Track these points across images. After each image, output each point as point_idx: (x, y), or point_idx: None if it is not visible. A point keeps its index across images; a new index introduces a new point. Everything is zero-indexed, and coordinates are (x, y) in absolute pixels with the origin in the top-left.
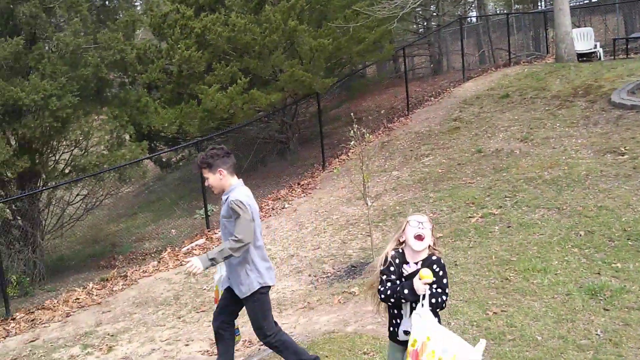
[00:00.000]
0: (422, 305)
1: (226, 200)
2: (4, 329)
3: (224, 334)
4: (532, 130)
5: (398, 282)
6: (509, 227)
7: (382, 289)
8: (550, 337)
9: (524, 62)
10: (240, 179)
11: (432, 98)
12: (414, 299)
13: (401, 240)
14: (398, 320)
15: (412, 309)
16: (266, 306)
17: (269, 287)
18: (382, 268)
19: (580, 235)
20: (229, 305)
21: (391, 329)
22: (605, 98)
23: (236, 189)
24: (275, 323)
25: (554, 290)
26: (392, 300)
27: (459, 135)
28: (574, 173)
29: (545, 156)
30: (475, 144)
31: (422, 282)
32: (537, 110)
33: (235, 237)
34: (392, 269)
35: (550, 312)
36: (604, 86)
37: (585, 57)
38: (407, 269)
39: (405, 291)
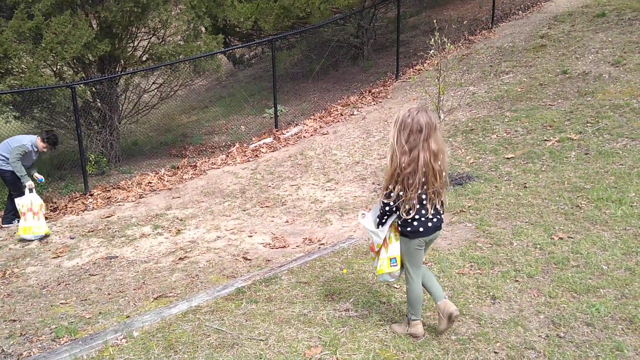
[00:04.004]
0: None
1: None
2: (83, 203)
3: None
4: (625, 55)
5: None
6: (586, 154)
7: None
8: (617, 268)
9: None
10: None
11: (520, 12)
12: None
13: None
14: None
15: None
16: None
17: None
18: None
19: None
20: None
21: None
22: None
23: None
24: None
25: (626, 222)
26: None
27: (545, 53)
28: None
29: (636, 83)
30: (560, 65)
31: None
32: (635, 33)
33: None
34: None
35: (620, 243)
36: None
37: None
38: None
39: None
